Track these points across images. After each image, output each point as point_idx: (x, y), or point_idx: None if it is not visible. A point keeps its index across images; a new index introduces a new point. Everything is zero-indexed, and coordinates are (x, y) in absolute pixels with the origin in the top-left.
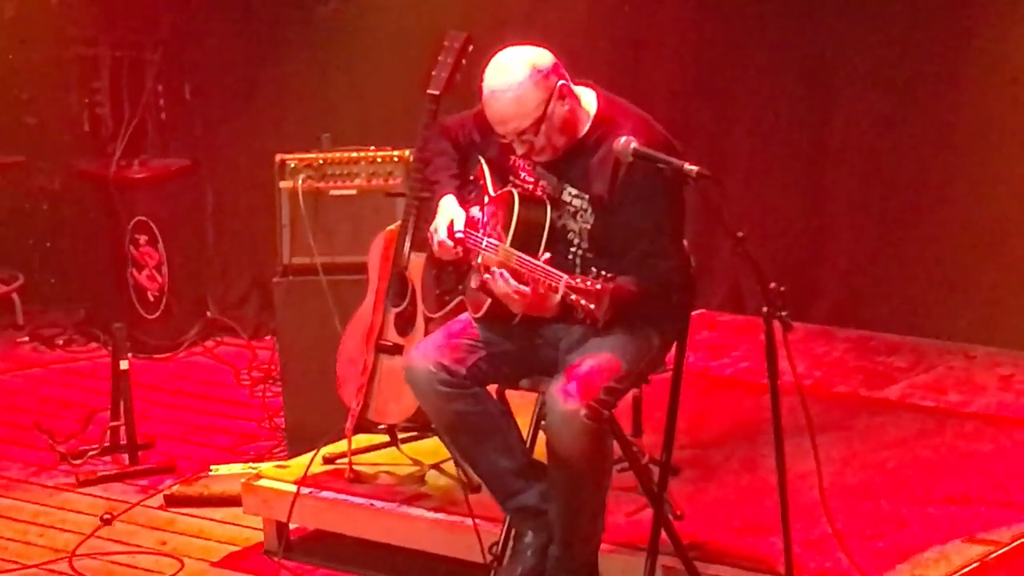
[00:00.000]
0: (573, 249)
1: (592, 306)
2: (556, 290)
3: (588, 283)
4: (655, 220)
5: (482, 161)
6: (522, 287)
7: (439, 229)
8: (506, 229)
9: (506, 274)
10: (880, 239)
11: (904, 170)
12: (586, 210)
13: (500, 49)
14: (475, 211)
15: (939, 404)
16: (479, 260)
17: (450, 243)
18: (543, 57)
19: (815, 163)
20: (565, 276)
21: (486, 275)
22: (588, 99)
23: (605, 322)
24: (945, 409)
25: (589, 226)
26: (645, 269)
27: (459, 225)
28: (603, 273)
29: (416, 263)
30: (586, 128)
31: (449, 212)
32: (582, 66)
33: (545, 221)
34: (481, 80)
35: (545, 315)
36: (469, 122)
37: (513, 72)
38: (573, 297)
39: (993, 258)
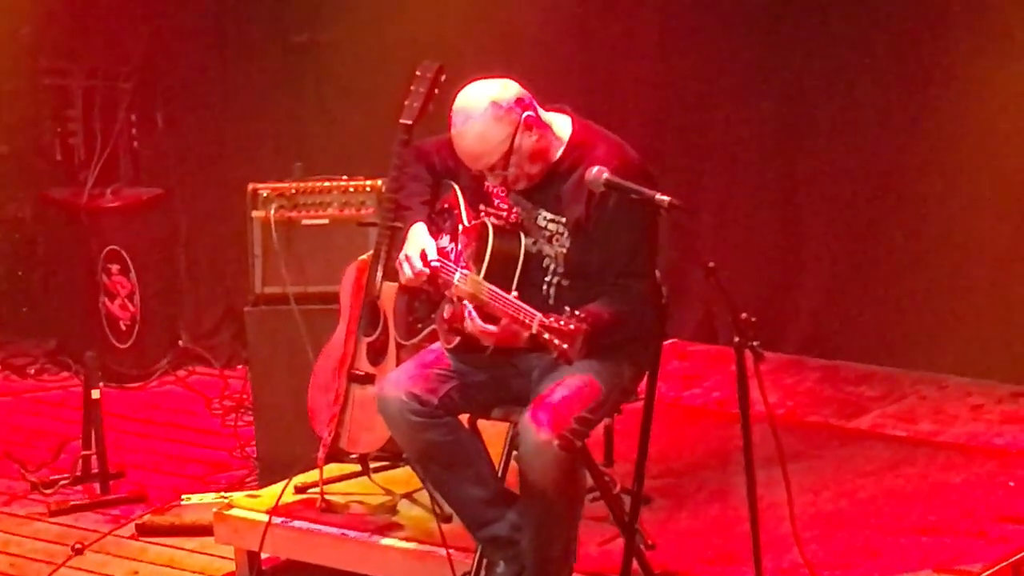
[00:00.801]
0: (548, 278)
1: (565, 346)
2: (529, 328)
3: (561, 323)
4: (629, 243)
5: (456, 188)
6: (489, 327)
7: (412, 258)
8: (479, 261)
9: (473, 313)
10: (852, 269)
11: (876, 201)
12: (562, 234)
13: (466, 84)
14: (444, 241)
15: (910, 434)
16: (452, 290)
17: (426, 271)
18: (505, 91)
19: (787, 194)
20: (539, 315)
21: (458, 314)
22: (562, 124)
23: None
24: (916, 439)
25: (565, 250)
26: (619, 291)
27: (432, 254)
28: (576, 313)
29: (388, 292)
30: (559, 153)
31: (420, 241)
32: (556, 96)
33: (519, 254)
34: (451, 111)
35: (516, 346)
36: (446, 146)
37: (474, 111)
38: (546, 336)
39: (965, 288)
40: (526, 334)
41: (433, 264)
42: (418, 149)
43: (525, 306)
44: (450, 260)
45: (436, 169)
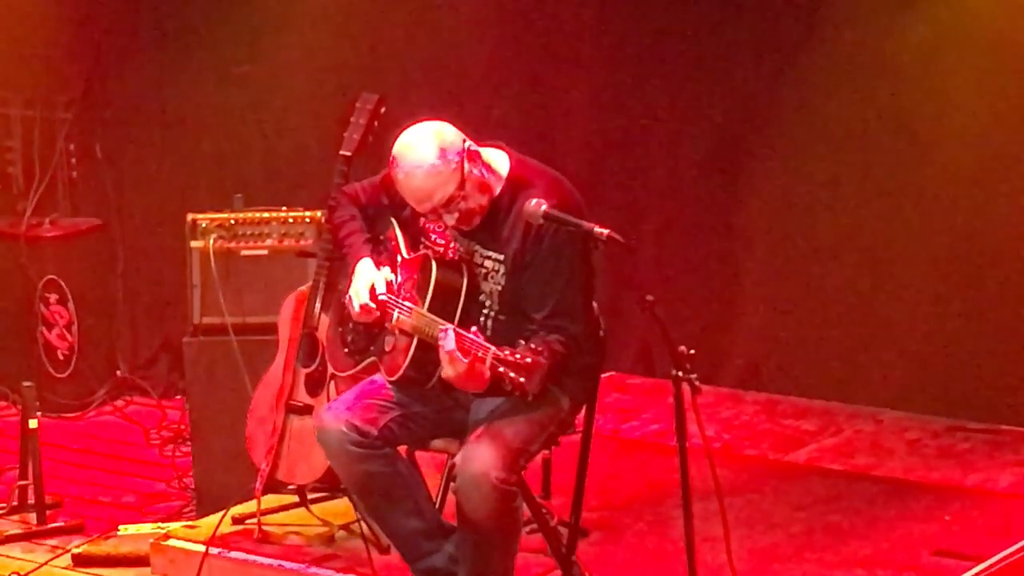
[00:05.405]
0: (485, 311)
1: (522, 379)
2: (483, 361)
3: (517, 356)
4: (564, 280)
5: (394, 222)
6: (463, 359)
7: (360, 293)
8: (422, 293)
9: (458, 354)
10: (790, 304)
11: (813, 235)
12: (498, 271)
13: (403, 128)
14: (387, 272)
15: (847, 468)
16: (394, 323)
17: (373, 305)
18: (444, 127)
19: (726, 227)
20: (492, 347)
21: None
22: (499, 160)
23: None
24: (853, 473)
25: (500, 287)
26: (553, 330)
27: (381, 288)
28: (531, 346)
29: (326, 324)
30: (499, 189)
31: (369, 275)
32: (493, 131)
33: (462, 286)
34: (391, 159)
35: (479, 388)
36: (377, 186)
37: (421, 148)
38: (501, 369)
39: (902, 323)
40: (487, 372)
41: (381, 298)
42: (345, 194)
43: (477, 339)
44: (393, 293)
45: (367, 211)
